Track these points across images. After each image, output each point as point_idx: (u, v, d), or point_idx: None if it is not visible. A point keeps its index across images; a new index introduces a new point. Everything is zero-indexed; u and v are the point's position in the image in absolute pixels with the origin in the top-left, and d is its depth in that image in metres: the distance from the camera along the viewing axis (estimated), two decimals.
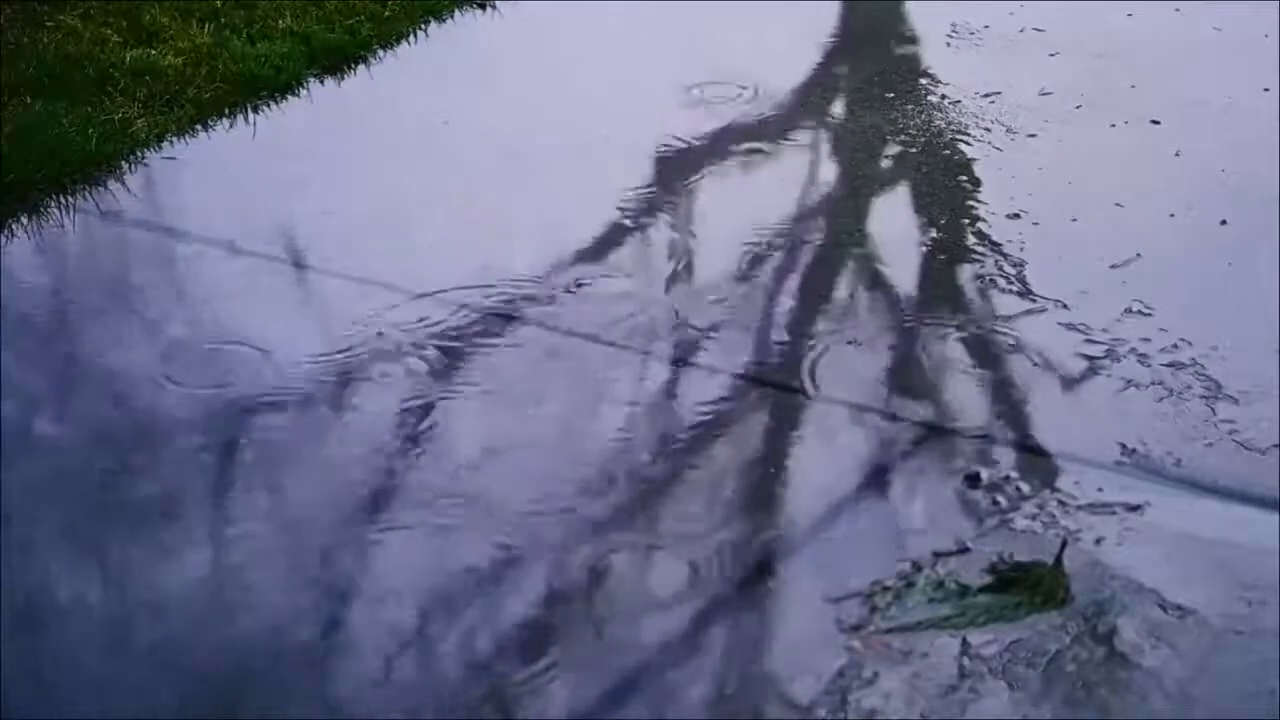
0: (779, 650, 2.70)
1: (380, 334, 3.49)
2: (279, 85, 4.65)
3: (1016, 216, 4.02)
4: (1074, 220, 4.03)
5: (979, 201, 4.13)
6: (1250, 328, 3.56)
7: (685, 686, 2.62)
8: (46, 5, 4.93)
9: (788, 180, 4.27)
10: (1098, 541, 2.91)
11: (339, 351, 3.44)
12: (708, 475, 3.11)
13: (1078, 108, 4.64)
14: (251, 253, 3.83)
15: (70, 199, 4.02)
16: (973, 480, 3.06)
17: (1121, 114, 4.59)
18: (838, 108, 4.73)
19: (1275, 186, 4.11)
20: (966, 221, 4.04)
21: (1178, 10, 5.33)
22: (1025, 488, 3.05)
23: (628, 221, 4.00)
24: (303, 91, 4.69)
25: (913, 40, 5.21)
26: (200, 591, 2.80)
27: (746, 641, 2.72)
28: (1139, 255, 3.85)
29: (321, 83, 4.76)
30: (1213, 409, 3.28)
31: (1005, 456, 3.15)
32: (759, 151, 4.40)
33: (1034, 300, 3.66)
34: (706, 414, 3.28)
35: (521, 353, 3.48)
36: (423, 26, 5.14)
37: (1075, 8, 5.30)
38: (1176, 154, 4.38)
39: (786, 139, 4.49)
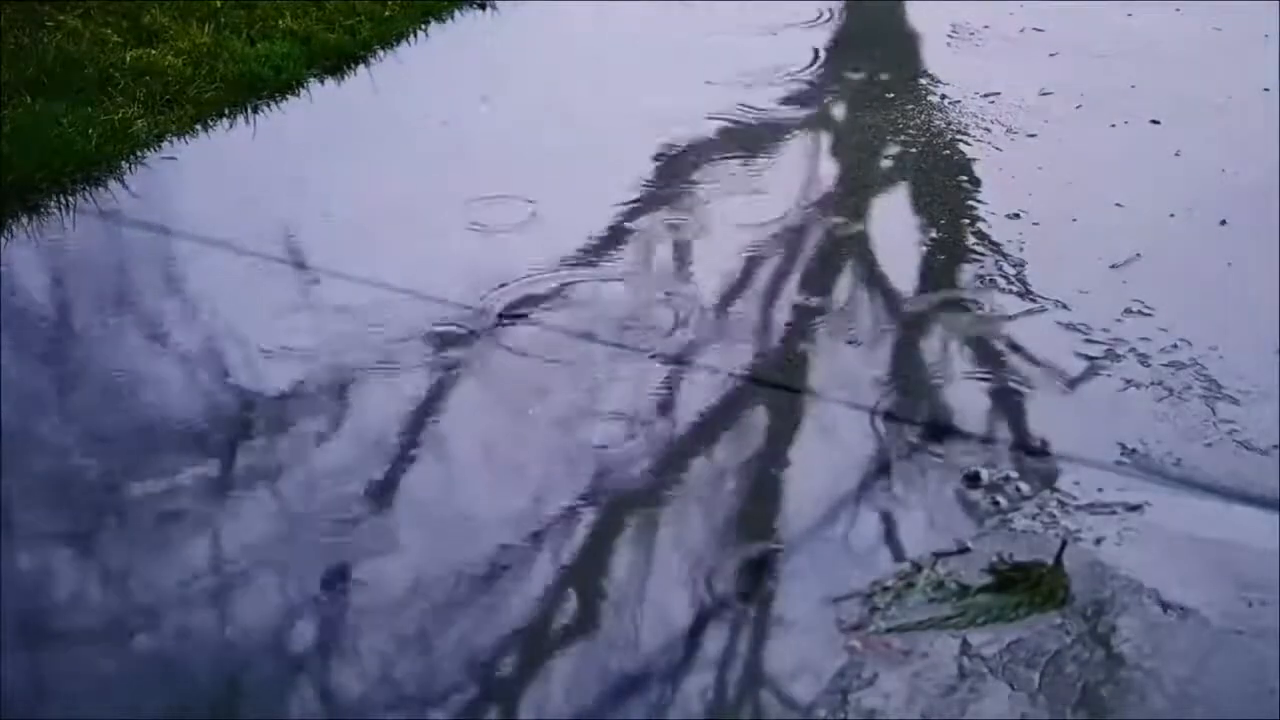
0: (779, 650, 2.70)
1: (379, 334, 3.50)
2: (279, 85, 4.65)
3: (1016, 216, 4.02)
4: (1074, 220, 4.03)
5: (979, 201, 4.13)
6: (1250, 328, 3.56)
7: (685, 686, 2.62)
8: (46, 5, 4.93)
9: (788, 180, 4.27)
10: (1098, 541, 2.91)
11: (338, 351, 3.44)
12: (708, 475, 3.11)
13: (1078, 108, 4.64)
14: (251, 253, 3.83)
15: (70, 199, 4.02)
16: (973, 480, 3.06)
17: (1121, 114, 4.59)
18: (838, 108, 4.73)
19: (1275, 186, 4.11)
20: (966, 221, 4.04)
21: (1178, 10, 5.33)
22: (1025, 488, 3.05)
23: (627, 221, 4.00)
24: (303, 91, 4.69)
25: (913, 40, 5.21)
26: (203, 590, 2.80)
27: (747, 641, 2.72)
28: (1139, 255, 3.85)
29: (321, 83, 4.76)
30: (1213, 409, 3.28)
31: (1005, 456, 3.15)
32: (759, 151, 4.40)
33: (1034, 300, 3.66)
34: (706, 413, 3.28)
35: (521, 352, 3.48)
36: (423, 27, 5.14)
37: (1075, 8, 5.30)
38: (1176, 154, 4.38)
39: (787, 139, 4.49)
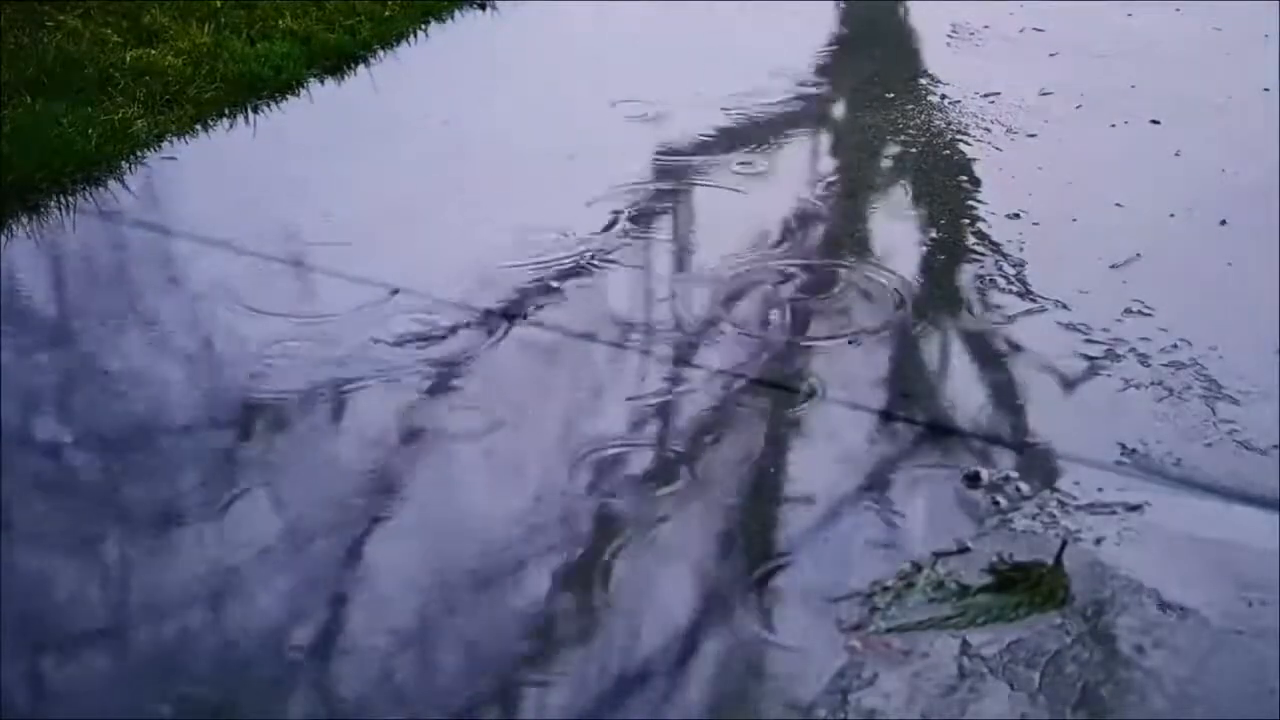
0: (779, 650, 2.70)
1: (378, 334, 3.50)
2: (279, 85, 4.65)
3: (1016, 216, 4.03)
4: (1074, 220, 4.03)
5: (979, 201, 4.13)
6: (1250, 328, 3.56)
7: (685, 686, 2.62)
8: (46, 5, 4.93)
9: (788, 180, 4.27)
10: (1098, 541, 2.91)
11: (337, 351, 3.44)
12: (708, 475, 3.11)
13: (1078, 108, 4.64)
14: (251, 253, 3.83)
15: (70, 199, 4.02)
16: (973, 480, 3.06)
17: (1121, 114, 4.59)
18: (838, 108, 4.73)
19: (1275, 186, 4.11)
20: (966, 221, 4.04)
21: (1178, 10, 5.33)
22: (1025, 488, 3.05)
23: (627, 221, 4.00)
24: (303, 91, 4.69)
25: (913, 40, 5.21)
26: (204, 591, 2.80)
27: (746, 641, 2.72)
28: (1139, 255, 3.85)
29: (321, 83, 4.77)
30: (1213, 409, 3.28)
31: (1005, 456, 3.15)
32: (759, 151, 4.40)
33: (1034, 300, 3.66)
34: (706, 414, 3.28)
35: (521, 352, 3.48)
36: (423, 27, 5.14)
37: (1075, 8, 5.30)
38: (1176, 154, 4.38)
39: (787, 139, 4.49)
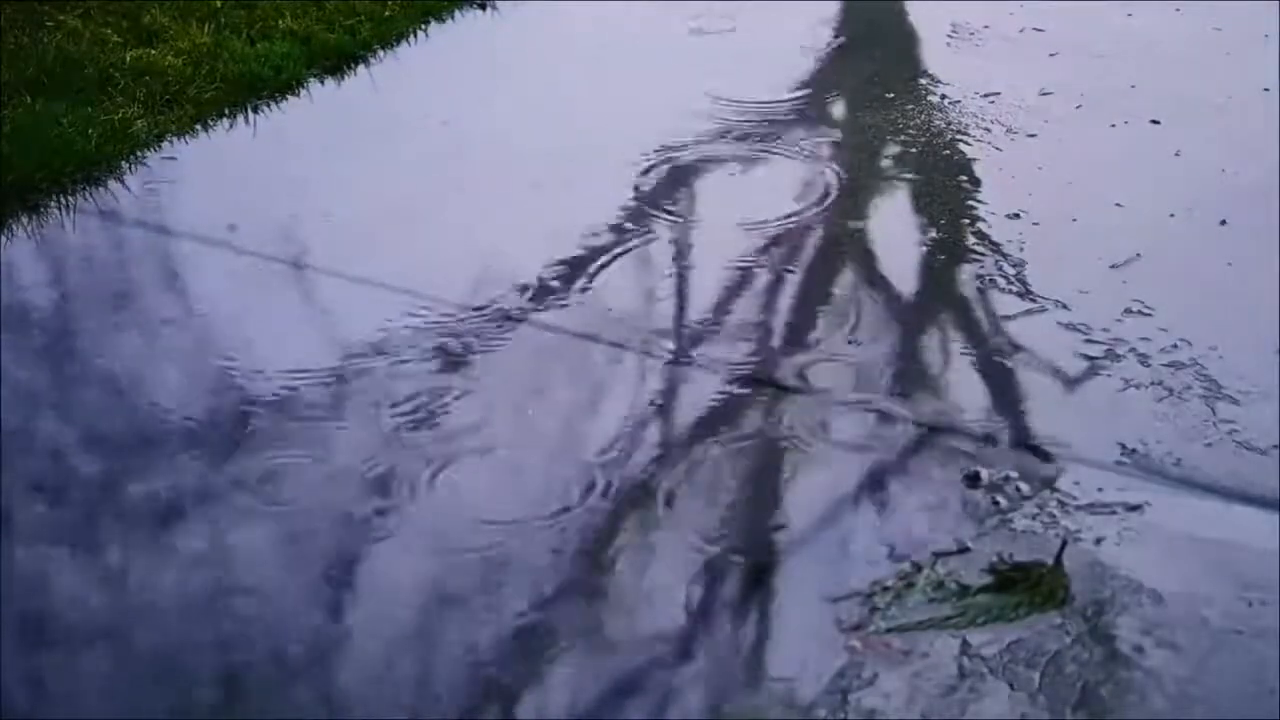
0: (779, 650, 2.70)
1: (379, 334, 3.50)
2: (279, 85, 4.65)
3: (1016, 216, 4.02)
4: (1074, 220, 4.03)
5: (979, 201, 4.13)
6: (1250, 328, 3.56)
7: (685, 686, 2.62)
8: (46, 5, 4.93)
9: (787, 181, 4.27)
10: (1098, 541, 2.91)
11: (336, 352, 3.44)
12: (707, 475, 3.11)
13: (1078, 108, 4.64)
14: (250, 253, 3.83)
15: (70, 199, 4.02)
16: (973, 480, 3.06)
17: (1121, 114, 4.59)
18: (838, 108, 4.73)
19: (1275, 186, 4.11)
20: (966, 221, 4.04)
21: (1178, 10, 5.33)
22: (1025, 488, 3.05)
23: (627, 222, 4.00)
24: (303, 91, 4.69)
25: (913, 40, 5.21)
26: (198, 598, 2.80)
27: (746, 641, 2.72)
28: (1139, 255, 3.85)
29: (321, 83, 4.76)
30: (1213, 409, 3.28)
31: (1005, 456, 3.15)
32: (759, 152, 4.40)
33: (1034, 300, 3.66)
34: (706, 413, 3.28)
35: (521, 353, 3.48)
36: (423, 27, 5.14)
37: (1075, 8, 5.30)
38: (1176, 154, 4.38)
39: (786, 139, 4.48)
